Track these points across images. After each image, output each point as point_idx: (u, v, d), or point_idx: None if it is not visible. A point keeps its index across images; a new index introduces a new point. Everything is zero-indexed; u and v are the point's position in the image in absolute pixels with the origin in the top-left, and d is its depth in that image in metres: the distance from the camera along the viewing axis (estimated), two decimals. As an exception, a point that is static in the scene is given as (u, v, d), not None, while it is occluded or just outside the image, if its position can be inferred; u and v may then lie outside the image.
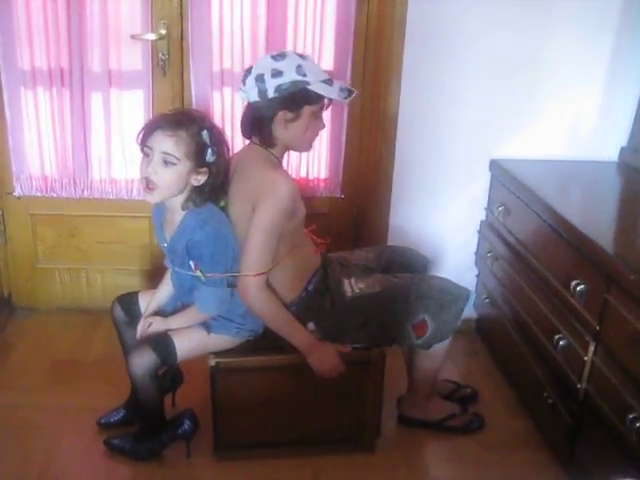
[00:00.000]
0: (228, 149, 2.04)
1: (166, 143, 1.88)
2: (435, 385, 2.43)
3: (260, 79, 1.95)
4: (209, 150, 1.93)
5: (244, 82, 2.00)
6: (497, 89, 2.73)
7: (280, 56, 1.97)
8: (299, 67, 1.95)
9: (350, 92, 2.05)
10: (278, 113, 1.99)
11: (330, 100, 2.06)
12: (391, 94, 2.69)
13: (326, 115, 2.80)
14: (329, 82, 2.01)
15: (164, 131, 1.88)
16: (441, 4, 2.59)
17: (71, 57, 2.71)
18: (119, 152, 2.88)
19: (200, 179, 1.95)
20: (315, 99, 2.00)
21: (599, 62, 2.73)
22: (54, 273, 3.12)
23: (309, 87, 1.97)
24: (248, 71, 2.00)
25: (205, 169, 1.94)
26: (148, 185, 1.91)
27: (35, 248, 3.07)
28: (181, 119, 1.91)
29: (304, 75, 1.95)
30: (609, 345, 1.91)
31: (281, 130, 2.02)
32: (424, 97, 2.72)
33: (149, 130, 1.91)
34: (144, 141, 1.91)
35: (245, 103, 2.07)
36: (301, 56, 2.00)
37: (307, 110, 2.01)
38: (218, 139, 1.97)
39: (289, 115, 2.00)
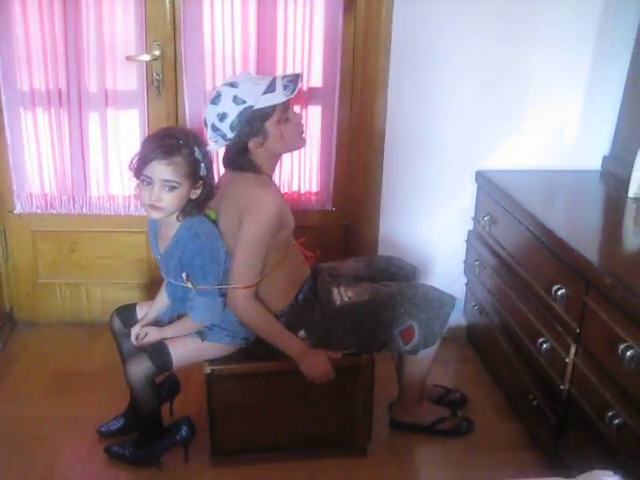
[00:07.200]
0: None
1: (165, 172, 1.94)
2: (424, 390, 2.49)
3: (214, 128, 2.02)
4: (202, 165, 2.01)
5: (209, 136, 2.06)
6: (481, 101, 2.79)
7: (217, 98, 2.00)
8: (235, 98, 1.98)
9: (295, 83, 2.04)
10: (248, 145, 2.05)
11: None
12: (378, 108, 2.76)
13: (316, 129, 2.91)
14: (271, 88, 2.01)
15: (161, 161, 1.93)
16: (425, 20, 2.66)
17: (69, 78, 2.79)
18: (116, 169, 2.94)
19: (197, 192, 2.03)
20: (269, 112, 2.02)
21: (580, 72, 2.78)
22: (55, 288, 3.17)
23: (255, 108, 2.00)
24: (205, 125, 2.06)
25: (200, 182, 2.03)
26: (154, 206, 1.98)
27: (36, 264, 3.13)
28: (173, 144, 1.96)
29: (244, 102, 1.98)
30: (589, 346, 1.97)
31: (260, 155, 2.08)
32: (410, 111, 2.78)
33: (145, 161, 1.95)
34: (140, 171, 1.96)
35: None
36: (232, 84, 2.01)
37: (270, 124, 2.04)
38: (206, 151, 2.04)
39: (258, 139, 2.05)
